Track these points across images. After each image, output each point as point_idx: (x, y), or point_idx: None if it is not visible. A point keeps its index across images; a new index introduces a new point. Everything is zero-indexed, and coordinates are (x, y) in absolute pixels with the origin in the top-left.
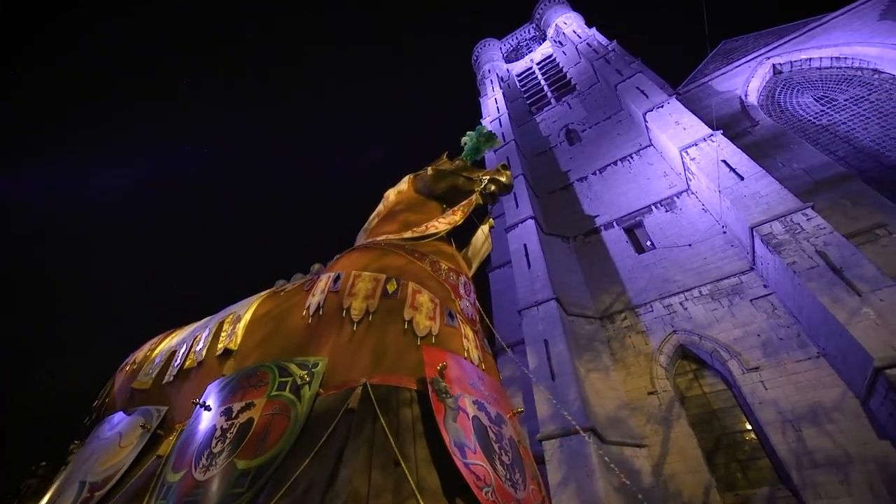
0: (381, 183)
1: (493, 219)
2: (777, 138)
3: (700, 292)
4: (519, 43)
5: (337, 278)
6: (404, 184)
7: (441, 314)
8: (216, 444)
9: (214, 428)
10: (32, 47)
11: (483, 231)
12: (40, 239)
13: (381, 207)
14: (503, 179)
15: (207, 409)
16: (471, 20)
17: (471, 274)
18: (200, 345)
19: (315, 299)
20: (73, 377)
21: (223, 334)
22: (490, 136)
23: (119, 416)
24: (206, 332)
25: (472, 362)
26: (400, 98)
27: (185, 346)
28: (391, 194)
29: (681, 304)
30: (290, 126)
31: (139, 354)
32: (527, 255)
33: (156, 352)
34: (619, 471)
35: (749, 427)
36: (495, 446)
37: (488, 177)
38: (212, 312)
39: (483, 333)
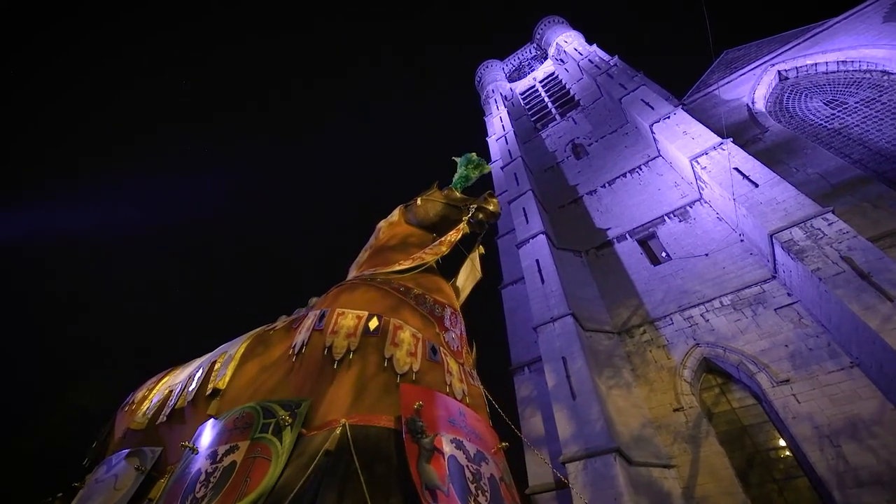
0: (387, 209)
1: (503, 236)
2: (789, 143)
3: (721, 303)
4: (521, 62)
5: (322, 316)
6: (395, 215)
7: (423, 349)
8: (199, 489)
9: (200, 472)
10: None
11: (472, 259)
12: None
13: (372, 240)
14: (490, 207)
15: (195, 451)
16: (473, 43)
17: (460, 304)
18: (193, 385)
19: (300, 338)
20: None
21: (214, 374)
22: (479, 164)
23: (117, 458)
24: (200, 371)
25: (454, 397)
26: (404, 124)
27: (180, 386)
28: (382, 226)
29: (702, 315)
30: (290, 154)
31: (138, 394)
32: (539, 270)
33: (154, 391)
34: (648, 494)
35: (783, 444)
36: (472, 487)
37: (476, 205)
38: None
39: (471, 365)
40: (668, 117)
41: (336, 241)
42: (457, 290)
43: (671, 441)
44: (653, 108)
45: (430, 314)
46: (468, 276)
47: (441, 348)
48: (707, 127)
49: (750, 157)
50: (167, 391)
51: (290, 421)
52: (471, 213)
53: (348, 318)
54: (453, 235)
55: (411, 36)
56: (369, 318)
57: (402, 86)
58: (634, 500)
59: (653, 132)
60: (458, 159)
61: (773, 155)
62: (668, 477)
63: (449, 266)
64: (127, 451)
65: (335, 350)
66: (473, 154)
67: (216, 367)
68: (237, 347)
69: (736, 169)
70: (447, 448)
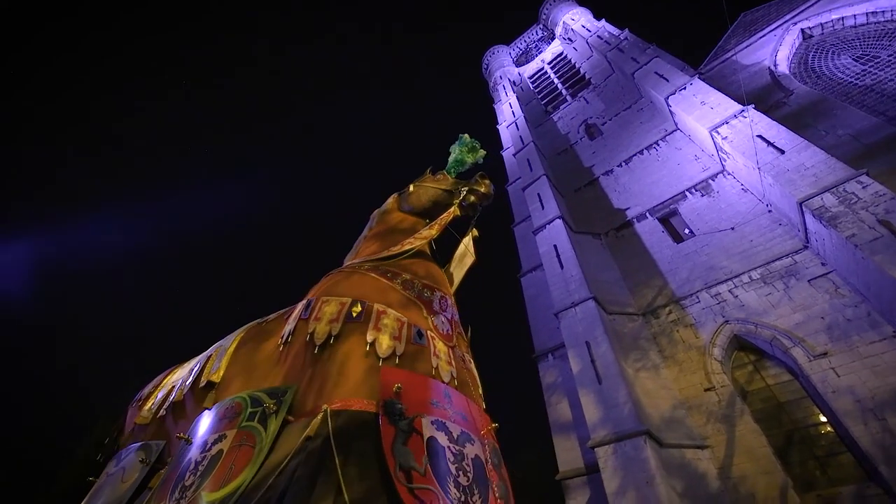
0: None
1: (520, 223)
2: (816, 106)
3: (750, 277)
4: (528, 46)
5: (308, 305)
6: (389, 203)
7: (408, 333)
8: (189, 477)
9: (190, 461)
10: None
11: (464, 243)
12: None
13: (366, 230)
14: (482, 189)
15: (189, 442)
16: (477, 30)
17: (454, 288)
18: (190, 379)
19: (288, 327)
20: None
21: (209, 367)
22: (473, 146)
23: (126, 452)
24: (197, 366)
25: (441, 380)
26: (409, 115)
27: (180, 381)
28: (376, 215)
29: (730, 291)
30: (292, 147)
31: (146, 390)
32: (558, 255)
33: (159, 388)
34: (682, 476)
35: (823, 419)
36: (452, 468)
37: (467, 188)
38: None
39: (465, 348)
40: (685, 88)
41: (340, 235)
42: (450, 276)
43: (704, 421)
44: (667, 80)
45: (419, 298)
46: (461, 260)
47: (428, 332)
48: (727, 95)
49: (774, 122)
50: (170, 387)
51: (275, 409)
52: (462, 195)
53: (331, 305)
54: (443, 218)
55: (412, 26)
56: (353, 304)
57: (403, 79)
58: (668, 482)
59: (669, 105)
60: (453, 146)
61: (800, 119)
62: (702, 458)
63: (443, 251)
64: (136, 445)
65: (317, 336)
66: (466, 136)
67: (211, 360)
68: (231, 341)
69: (759, 136)
70: (428, 430)
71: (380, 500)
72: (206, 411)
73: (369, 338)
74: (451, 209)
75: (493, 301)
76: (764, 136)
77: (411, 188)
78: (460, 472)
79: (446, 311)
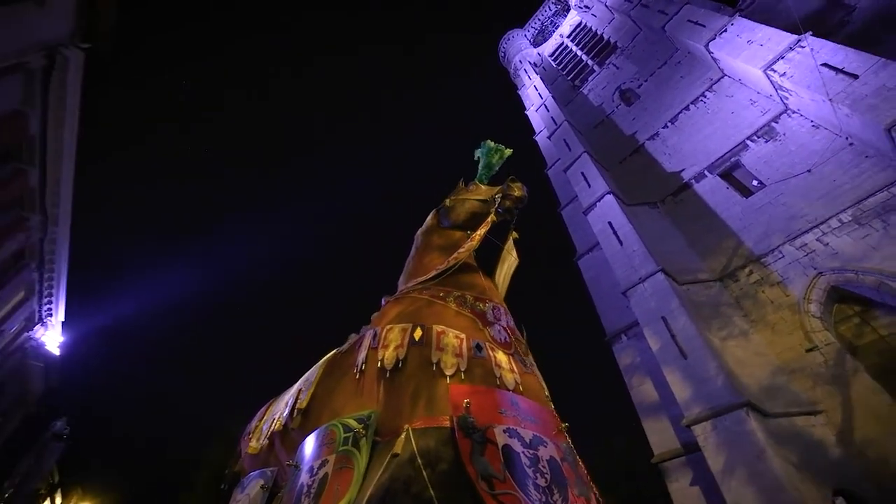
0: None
1: (566, 206)
2: (885, 15)
3: (840, 220)
4: (543, 24)
5: (375, 334)
6: (429, 221)
7: (468, 348)
8: (304, 500)
9: (303, 485)
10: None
11: (506, 248)
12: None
13: (413, 250)
14: (515, 193)
15: (298, 468)
16: (486, 19)
17: (503, 293)
18: (286, 411)
19: (360, 356)
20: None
21: (300, 399)
22: (498, 149)
23: (248, 479)
24: (291, 399)
25: (506, 388)
26: (434, 120)
27: (279, 413)
28: (420, 235)
29: (818, 240)
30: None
31: (253, 423)
32: (615, 232)
33: (263, 420)
34: (796, 446)
35: None
36: (529, 471)
37: (501, 194)
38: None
39: (524, 351)
40: (725, 30)
41: (388, 254)
42: (497, 282)
43: (811, 385)
44: (704, 26)
45: (472, 312)
46: (506, 264)
47: (486, 343)
48: (776, 28)
49: (839, 46)
50: (272, 419)
51: (364, 432)
52: (497, 203)
53: (395, 332)
54: (482, 229)
55: (418, 26)
56: (413, 329)
57: (422, 82)
58: (781, 454)
59: (710, 52)
60: (478, 150)
61: (869, 35)
62: (815, 424)
63: (489, 257)
64: (255, 472)
65: (386, 362)
66: (489, 141)
67: (301, 393)
68: (315, 374)
69: (825, 65)
70: (500, 438)
71: None
72: (307, 439)
73: (434, 359)
74: (489, 217)
75: (553, 290)
76: (830, 63)
77: (448, 203)
78: (538, 475)
79: (500, 320)
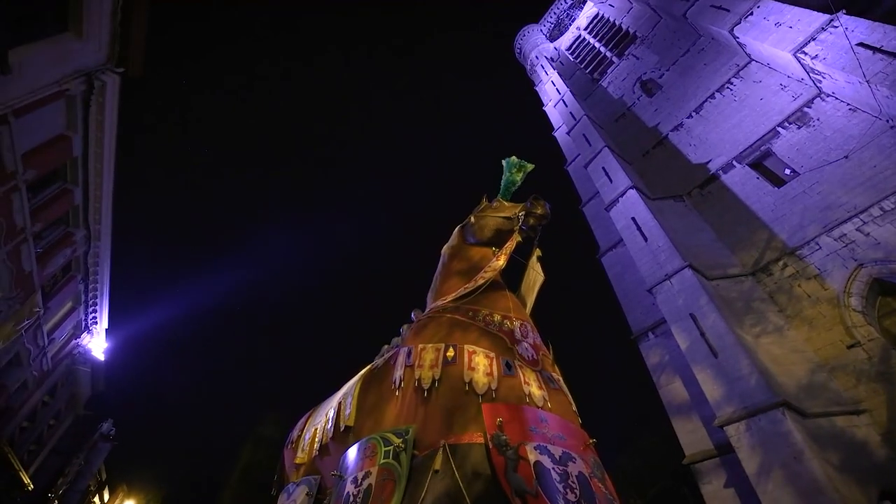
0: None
1: (588, 202)
2: None
3: (882, 209)
4: (558, 18)
5: (409, 353)
6: (454, 238)
7: (498, 367)
8: None
9: (349, 494)
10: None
11: (531, 265)
12: None
13: (440, 267)
14: (538, 210)
15: (342, 478)
16: (501, 17)
17: (528, 309)
18: (329, 424)
19: (397, 374)
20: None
21: (342, 413)
22: (521, 165)
23: (293, 486)
24: (332, 411)
25: (535, 405)
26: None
27: (320, 425)
28: (446, 252)
29: (858, 229)
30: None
31: (294, 434)
32: (639, 228)
33: (304, 430)
34: (837, 447)
35: None
36: (559, 486)
37: (524, 212)
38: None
39: (549, 367)
40: (751, 13)
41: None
42: (523, 299)
43: (854, 383)
44: (728, 11)
45: (500, 331)
46: (531, 281)
47: (515, 361)
48: (806, 8)
49: (876, 24)
50: (314, 430)
51: (403, 447)
52: (520, 221)
53: (429, 352)
54: (508, 247)
55: (423, 29)
56: (446, 349)
57: (433, 83)
58: (821, 456)
59: (736, 37)
60: (505, 162)
61: None
62: (858, 424)
63: (514, 274)
64: (301, 480)
65: (423, 381)
66: (513, 157)
67: (342, 407)
68: (355, 388)
69: (861, 44)
70: (532, 455)
71: None
72: (349, 450)
73: (466, 378)
74: (514, 236)
75: (577, 289)
76: (866, 42)
77: (472, 220)
78: (568, 490)
79: (528, 337)
